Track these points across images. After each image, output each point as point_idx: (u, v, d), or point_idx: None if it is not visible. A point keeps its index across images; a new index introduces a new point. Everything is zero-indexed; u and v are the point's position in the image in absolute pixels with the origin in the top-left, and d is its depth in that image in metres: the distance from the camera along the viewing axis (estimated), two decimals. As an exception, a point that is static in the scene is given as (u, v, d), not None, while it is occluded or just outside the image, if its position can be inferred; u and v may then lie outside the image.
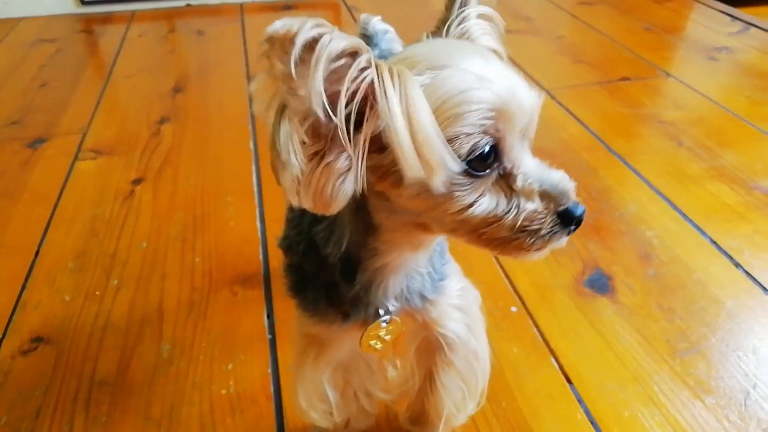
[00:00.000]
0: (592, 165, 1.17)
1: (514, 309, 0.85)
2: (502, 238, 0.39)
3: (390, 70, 0.33)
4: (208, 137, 1.28)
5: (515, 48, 1.70)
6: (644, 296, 0.87)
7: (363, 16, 0.80)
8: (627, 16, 1.98)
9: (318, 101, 0.31)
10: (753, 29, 1.84)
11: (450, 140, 0.34)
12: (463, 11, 0.44)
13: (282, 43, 0.29)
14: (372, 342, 0.50)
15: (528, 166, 0.39)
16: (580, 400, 0.72)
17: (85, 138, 1.30)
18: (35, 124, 1.35)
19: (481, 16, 0.44)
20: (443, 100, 0.34)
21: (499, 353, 0.78)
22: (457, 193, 0.37)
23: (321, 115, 0.31)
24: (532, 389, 0.74)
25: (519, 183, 0.38)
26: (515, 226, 0.38)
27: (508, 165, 0.38)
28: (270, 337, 0.81)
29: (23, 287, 0.90)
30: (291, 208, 0.53)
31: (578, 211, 0.39)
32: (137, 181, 1.15)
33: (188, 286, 0.90)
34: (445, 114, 0.34)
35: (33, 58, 1.70)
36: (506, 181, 0.38)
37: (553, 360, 0.77)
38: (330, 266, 0.46)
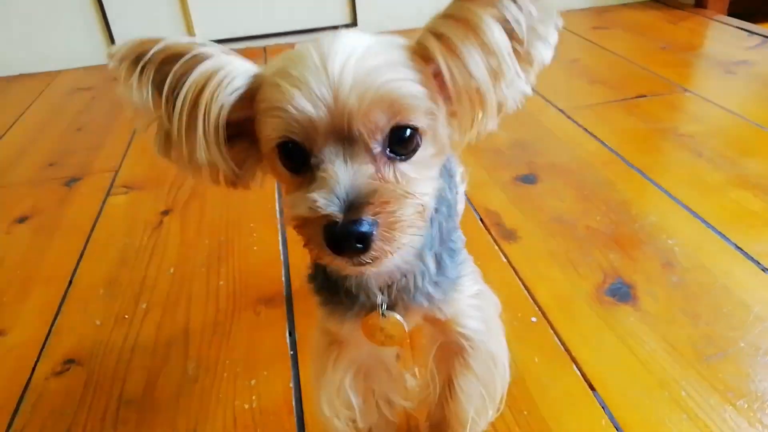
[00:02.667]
0: (611, 179, 1.17)
1: (534, 319, 0.84)
2: (304, 244, 0.39)
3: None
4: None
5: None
6: (668, 303, 0.85)
7: None
8: (642, 37, 1.99)
9: (149, 101, 0.40)
10: (772, 43, 1.83)
11: (265, 136, 0.40)
12: None
13: (115, 62, 0.40)
14: (375, 334, 0.51)
15: (332, 172, 0.38)
16: (603, 406, 0.70)
17: (117, 175, 1.36)
18: (71, 165, 1.43)
19: None
20: (262, 99, 0.40)
21: (519, 363, 0.77)
22: (288, 184, 0.42)
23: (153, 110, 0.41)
24: (554, 397, 0.73)
25: (312, 187, 0.38)
26: (298, 230, 0.39)
27: (315, 168, 0.39)
28: (292, 353, 0.82)
29: (57, 313, 0.93)
30: None
31: (338, 231, 0.36)
32: (165, 213, 1.19)
33: (213, 307, 0.92)
34: (262, 110, 0.40)
35: (70, 106, 1.80)
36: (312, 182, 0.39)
37: (575, 367, 0.76)
38: None
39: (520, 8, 0.38)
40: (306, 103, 0.37)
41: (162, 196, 1.26)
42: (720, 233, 0.98)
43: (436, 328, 0.57)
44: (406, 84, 0.39)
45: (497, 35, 0.38)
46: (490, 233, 1.04)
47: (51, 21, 2.04)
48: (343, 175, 0.38)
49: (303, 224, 0.38)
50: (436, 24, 0.40)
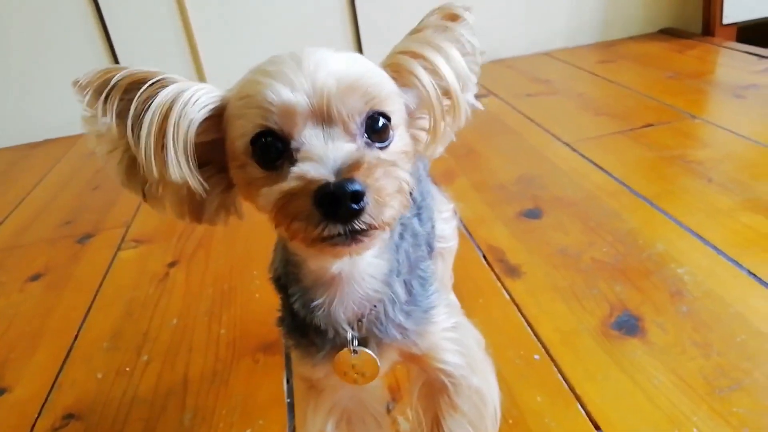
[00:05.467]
0: (616, 210, 1.14)
1: (537, 357, 0.81)
2: (287, 228, 0.38)
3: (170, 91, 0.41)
4: (239, 220, 1.34)
5: (534, 109, 1.74)
6: (677, 334, 0.82)
7: None
8: (648, 67, 1.99)
9: (114, 127, 0.41)
10: (782, 65, 1.80)
11: (238, 137, 0.40)
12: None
13: (80, 90, 0.41)
14: (347, 372, 0.49)
15: (310, 148, 0.38)
16: (609, 446, 0.67)
17: (128, 230, 1.39)
18: (85, 222, 1.46)
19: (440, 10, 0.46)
20: (235, 101, 0.41)
21: (521, 402, 0.74)
22: (262, 187, 0.40)
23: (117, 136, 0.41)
24: (557, 438, 0.69)
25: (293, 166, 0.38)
26: (282, 212, 0.38)
27: (294, 152, 0.39)
28: (289, 400, 0.81)
29: (61, 368, 0.94)
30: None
31: (333, 190, 0.35)
32: (172, 264, 1.21)
33: (213, 356, 0.92)
34: (234, 114, 0.41)
35: (89, 166, 1.86)
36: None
37: (579, 406, 0.73)
38: (284, 288, 0.47)
39: (467, 35, 0.46)
40: (284, 89, 0.39)
41: (170, 249, 1.27)
42: (731, 259, 0.94)
43: (415, 365, 0.55)
44: (380, 76, 0.43)
45: (456, 52, 0.45)
46: (492, 270, 1.02)
47: (71, 87, 2.14)
48: (328, 149, 0.38)
49: (288, 200, 0.37)
50: (403, 48, 0.45)
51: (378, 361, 0.49)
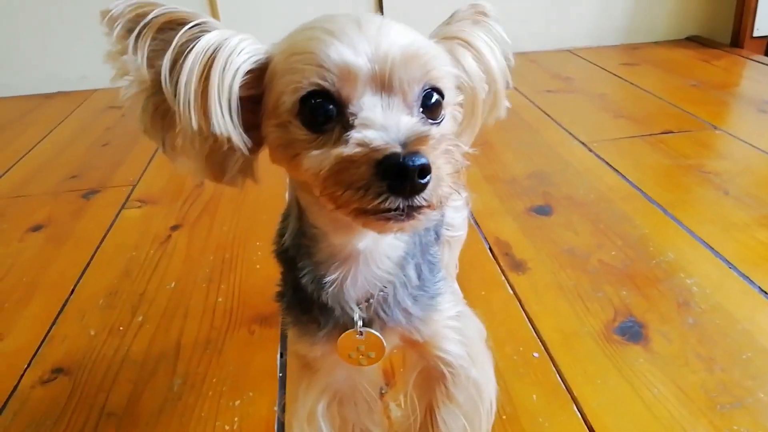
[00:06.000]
0: (629, 214, 1.12)
1: (536, 354, 0.80)
2: (337, 196, 0.35)
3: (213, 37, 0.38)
4: (247, 188, 1.33)
5: (553, 105, 1.71)
6: (681, 345, 0.80)
7: None
8: (672, 74, 1.95)
9: (144, 68, 0.38)
10: (810, 83, 1.77)
11: (286, 93, 0.37)
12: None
13: (109, 22, 0.37)
14: (351, 354, 0.48)
15: (370, 115, 0.36)
16: (602, 452, 0.66)
17: (134, 189, 1.37)
18: (92, 178, 1.45)
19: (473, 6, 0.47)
20: (287, 55, 0.38)
21: (516, 400, 0.73)
22: (303, 150, 0.37)
23: (147, 78, 0.38)
24: (550, 438, 0.68)
25: (350, 132, 0.35)
26: (335, 178, 0.35)
27: (351, 117, 0.37)
28: (281, 375, 0.80)
29: (54, 322, 0.93)
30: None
31: (402, 162, 0.33)
32: (175, 228, 1.19)
33: (208, 324, 0.91)
34: (283, 69, 0.38)
35: (100, 122, 1.85)
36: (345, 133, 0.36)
37: (575, 408, 0.71)
38: (291, 261, 0.45)
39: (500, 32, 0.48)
40: (346, 50, 0.36)
41: (174, 212, 1.26)
42: (743, 274, 0.92)
43: (414, 351, 0.53)
44: (439, 51, 0.41)
45: (496, 46, 0.47)
46: (498, 263, 1.00)
47: (90, 43, 2.11)
48: (389, 118, 0.36)
49: (345, 166, 0.35)
50: (449, 33, 0.45)
51: (384, 342, 0.48)
